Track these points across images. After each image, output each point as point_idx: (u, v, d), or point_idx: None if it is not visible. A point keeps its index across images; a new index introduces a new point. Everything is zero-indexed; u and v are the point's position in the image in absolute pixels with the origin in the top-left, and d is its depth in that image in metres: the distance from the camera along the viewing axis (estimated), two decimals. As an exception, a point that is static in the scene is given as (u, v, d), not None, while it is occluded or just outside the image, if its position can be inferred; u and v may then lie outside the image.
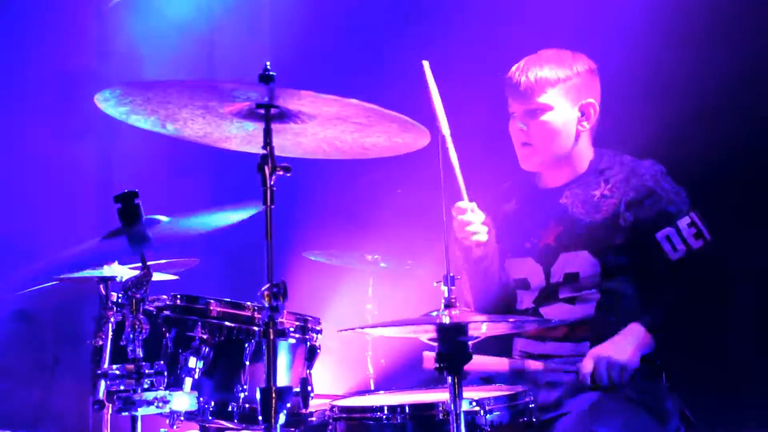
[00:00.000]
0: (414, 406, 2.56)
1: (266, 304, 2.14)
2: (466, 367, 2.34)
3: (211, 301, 2.74)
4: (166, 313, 2.69)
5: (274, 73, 2.24)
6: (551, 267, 3.17)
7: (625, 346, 2.93)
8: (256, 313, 2.74)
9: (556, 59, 3.17)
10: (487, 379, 3.19)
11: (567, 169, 3.23)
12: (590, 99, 3.18)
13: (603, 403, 2.84)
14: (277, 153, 2.25)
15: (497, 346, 3.22)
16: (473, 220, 3.08)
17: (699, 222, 3.03)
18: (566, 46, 3.29)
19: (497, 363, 2.98)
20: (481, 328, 2.37)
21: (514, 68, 3.20)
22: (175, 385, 2.61)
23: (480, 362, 2.83)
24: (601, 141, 3.31)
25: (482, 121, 3.31)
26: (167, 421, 2.62)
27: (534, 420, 2.66)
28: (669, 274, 3.04)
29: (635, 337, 2.95)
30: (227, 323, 2.72)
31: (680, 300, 3.02)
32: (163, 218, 2.51)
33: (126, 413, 2.33)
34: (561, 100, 3.14)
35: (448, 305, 2.34)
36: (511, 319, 2.61)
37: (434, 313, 2.33)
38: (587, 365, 2.92)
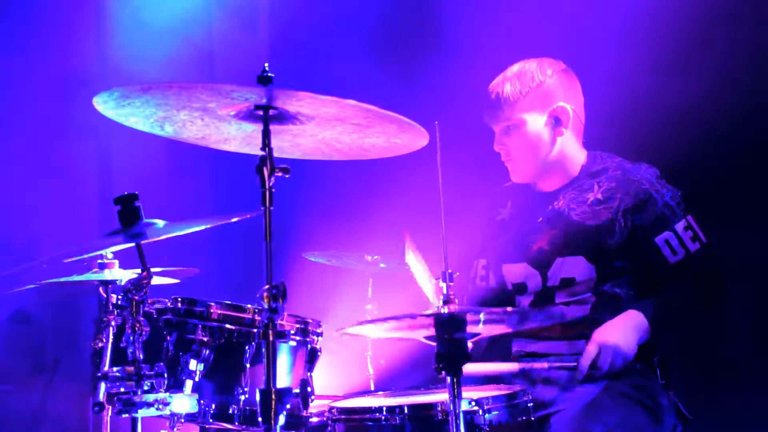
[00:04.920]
0: (413, 407, 2.56)
1: (265, 306, 2.13)
2: (478, 371, 2.32)
3: (212, 303, 2.73)
4: (167, 316, 2.69)
5: (273, 75, 2.24)
6: (547, 271, 3.17)
7: (629, 335, 2.93)
8: (256, 315, 2.73)
9: (519, 74, 3.17)
10: (490, 378, 3.20)
11: (558, 175, 3.23)
12: (561, 103, 3.16)
13: (598, 400, 2.84)
14: (275, 154, 2.25)
15: (498, 348, 3.23)
16: None
17: (695, 225, 3.05)
18: (558, 52, 3.29)
19: (508, 366, 3.04)
20: (479, 320, 2.35)
21: (489, 88, 3.21)
22: (176, 387, 2.61)
23: (492, 368, 2.98)
24: (593, 143, 3.31)
25: (482, 123, 3.32)
26: (167, 423, 2.61)
27: (532, 419, 2.66)
28: (667, 277, 3.05)
29: (636, 326, 2.95)
30: (227, 326, 2.71)
31: (678, 298, 3.03)
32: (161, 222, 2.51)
33: (126, 415, 2.33)
34: (529, 113, 3.15)
35: (447, 301, 2.34)
36: (509, 309, 2.59)
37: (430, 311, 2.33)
38: (592, 350, 2.91)
